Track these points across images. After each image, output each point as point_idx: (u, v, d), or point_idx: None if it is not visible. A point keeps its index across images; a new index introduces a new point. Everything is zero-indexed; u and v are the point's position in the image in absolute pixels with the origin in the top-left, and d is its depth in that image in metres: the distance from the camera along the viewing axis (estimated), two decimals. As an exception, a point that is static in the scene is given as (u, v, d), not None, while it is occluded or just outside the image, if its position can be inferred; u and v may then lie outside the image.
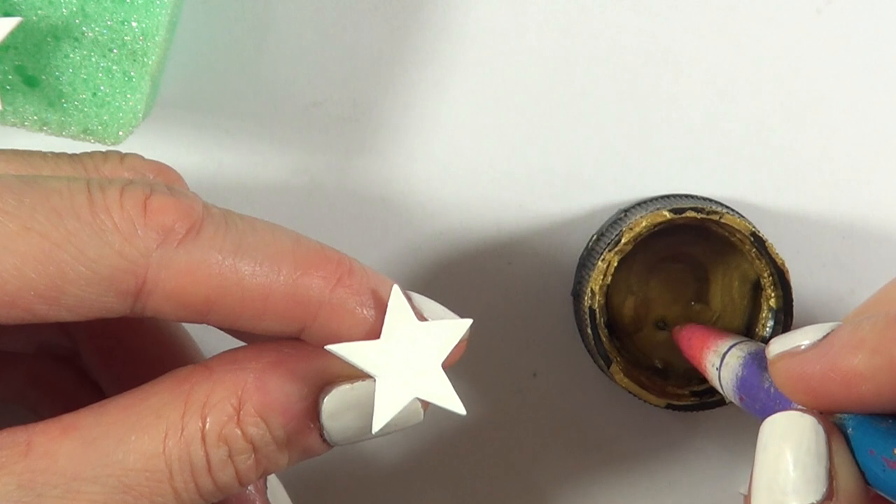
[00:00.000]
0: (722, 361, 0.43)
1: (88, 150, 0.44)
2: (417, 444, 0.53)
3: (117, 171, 0.42)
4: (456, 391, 0.39)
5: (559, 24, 0.51)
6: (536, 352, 0.53)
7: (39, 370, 0.46)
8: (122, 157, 0.43)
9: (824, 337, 0.38)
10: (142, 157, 0.43)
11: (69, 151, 0.44)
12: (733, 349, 0.43)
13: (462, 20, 0.51)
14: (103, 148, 0.46)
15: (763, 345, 0.42)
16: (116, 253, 0.37)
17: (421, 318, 0.40)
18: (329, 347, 0.38)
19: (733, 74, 0.52)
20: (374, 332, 0.39)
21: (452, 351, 0.39)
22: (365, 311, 0.39)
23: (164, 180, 0.42)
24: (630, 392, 0.49)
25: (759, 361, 0.41)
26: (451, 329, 0.39)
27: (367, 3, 0.51)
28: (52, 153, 0.42)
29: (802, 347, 0.39)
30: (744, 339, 0.44)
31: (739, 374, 0.42)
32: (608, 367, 0.49)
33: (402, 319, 0.39)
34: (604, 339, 0.49)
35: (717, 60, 0.52)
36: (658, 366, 0.51)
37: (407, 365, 0.39)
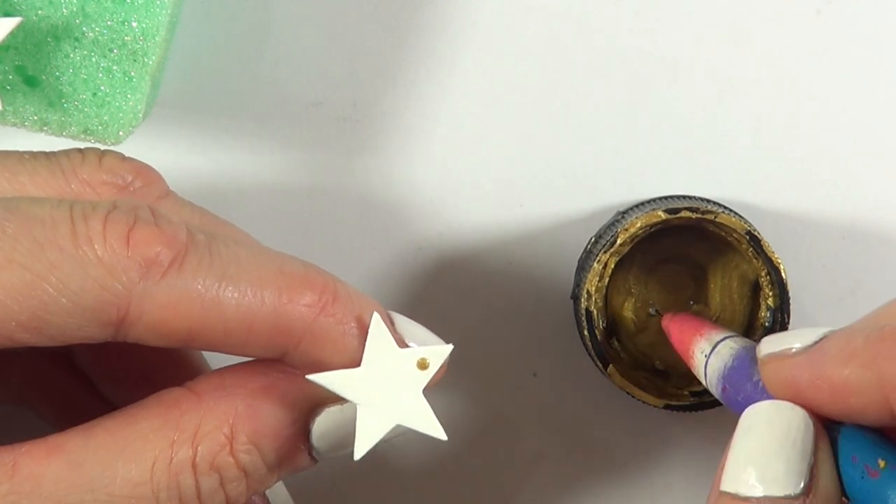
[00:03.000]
0: (713, 350, 0.43)
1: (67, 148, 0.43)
2: (415, 443, 0.53)
3: (95, 173, 0.42)
4: (441, 413, 0.39)
5: (558, 26, 0.51)
6: (536, 352, 0.53)
7: (34, 369, 0.46)
8: (101, 157, 0.42)
9: (816, 342, 0.38)
10: (121, 157, 0.43)
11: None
12: (727, 340, 0.43)
13: (462, 21, 0.51)
14: (103, 147, 0.46)
15: (754, 343, 0.42)
16: (99, 286, 0.37)
17: (402, 343, 0.40)
18: (310, 377, 0.39)
19: (733, 75, 0.52)
20: (357, 357, 0.39)
21: (433, 377, 0.40)
22: (348, 339, 0.39)
23: (143, 181, 0.42)
24: (628, 393, 0.49)
25: (752, 355, 0.40)
26: (432, 355, 0.40)
27: (367, 4, 0.51)
28: (30, 154, 0.42)
29: (793, 351, 0.38)
30: (738, 335, 0.44)
31: (729, 364, 0.42)
32: (606, 369, 0.49)
33: (383, 347, 0.39)
34: (601, 340, 0.49)
35: (716, 61, 0.52)
36: (658, 367, 0.51)
37: (388, 392, 0.39)
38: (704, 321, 0.47)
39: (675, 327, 0.47)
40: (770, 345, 0.39)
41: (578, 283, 0.51)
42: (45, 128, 0.46)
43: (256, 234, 0.51)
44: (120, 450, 0.37)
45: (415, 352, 0.40)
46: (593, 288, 0.49)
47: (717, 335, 0.44)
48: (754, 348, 0.40)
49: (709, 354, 0.43)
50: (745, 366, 0.41)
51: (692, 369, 0.45)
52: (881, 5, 0.51)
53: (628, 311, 0.51)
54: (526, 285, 0.53)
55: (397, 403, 0.39)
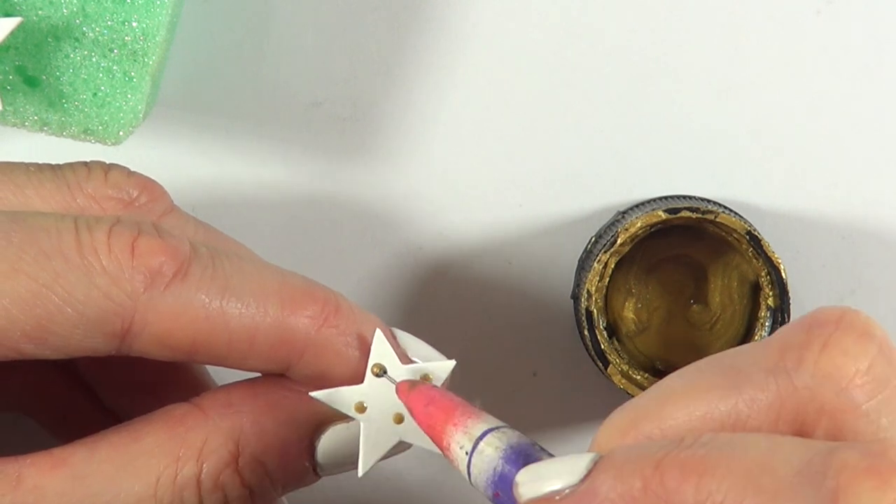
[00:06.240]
0: (475, 447, 0.36)
1: (73, 158, 0.43)
2: (415, 449, 0.53)
3: (101, 188, 0.42)
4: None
5: (558, 26, 0.51)
6: (536, 352, 0.53)
7: (35, 377, 0.46)
8: (107, 171, 0.42)
9: (585, 477, 0.33)
10: (126, 172, 0.43)
11: (67, 152, 0.44)
12: (490, 436, 0.36)
13: (462, 21, 0.51)
14: (103, 147, 0.46)
15: (524, 437, 0.36)
16: (104, 295, 0.37)
17: (404, 359, 0.40)
18: (313, 394, 0.39)
19: (733, 75, 0.52)
20: (359, 371, 0.39)
21: None
22: (350, 351, 0.40)
23: (148, 197, 0.42)
24: (628, 393, 0.49)
25: (524, 458, 0.35)
26: (435, 372, 0.40)
27: (367, 3, 0.51)
28: (35, 166, 0.42)
29: (558, 499, 0.33)
30: (499, 423, 0.37)
31: (499, 468, 0.35)
32: (606, 369, 0.49)
33: (386, 363, 0.39)
34: (601, 340, 0.49)
35: (716, 61, 0.52)
36: (658, 367, 0.51)
37: (390, 408, 0.39)
38: (454, 402, 0.38)
39: (420, 409, 0.38)
40: (530, 486, 0.33)
41: (578, 283, 0.51)
42: (45, 128, 0.46)
43: (257, 235, 0.51)
44: (124, 464, 0.37)
45: (418, 368, 0.40)
46: (593, 288, 0.49)
47: (475, 425, 0.37)
48: (526, 446, 0.35)
49: (470, 452, 0.36)
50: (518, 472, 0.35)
51: (449, 461, 0.37)
52: (881, 5, 0.51)
53: (628, 311, 0.51)
54: (526, 285, 0.53)
55: (400, 420, 0.39)
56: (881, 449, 0.30)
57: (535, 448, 0.35)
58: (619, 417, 0.35)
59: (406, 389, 0.39)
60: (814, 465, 0.30)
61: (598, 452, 0.33)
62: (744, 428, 0.33)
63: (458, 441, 0.37)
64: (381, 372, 0.39)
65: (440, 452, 0.38)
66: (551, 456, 0.35)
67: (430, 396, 0.38)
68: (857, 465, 0.30)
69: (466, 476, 0.36)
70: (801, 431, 0.33)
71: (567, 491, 0.33)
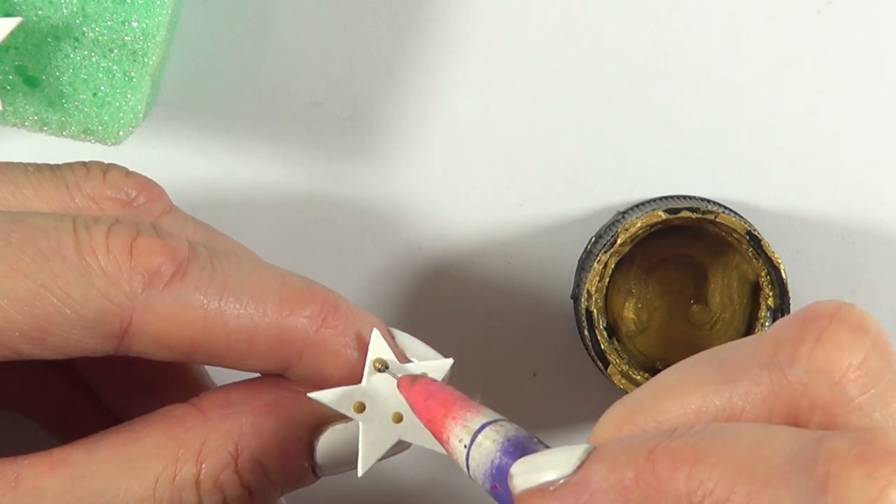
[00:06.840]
0: (473, 440, 0.36)
1: (73, 158, 0.43)
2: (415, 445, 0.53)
3: (99, 188, 0.42)
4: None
5: (558, 26, 0.51)
6: (536, 352, 0.53)
7: (34, 378, 0.46)
8: (105, 172, 0.42)
9: (578, 468, 0.33)
10: (125, 172, 0.43)
11: (67, 152, 0.44)
12: (488, 429, 0.36)
13: (462, 21, 0.51)
14: (103, 147, 0.46)
15: (521, 430, 0.36)
16: (102, 296, 0.37)
17: (402, 358, 0.40)
18: (311, 395, 0.39)
19: (733, 76, 0.52)
20: (358, 372, 0.39)
21: None
22: (349, 352, 0.40)
23: (147, 197, 0.42)
24: (628, 393, 0.49)
25: (522, 451, 0.35)
26: (432, 371, 0.40)
27: (367, 3, 0.51)
28: (34, 166, 0.42)
29: (552, 489, 0.33)
30: (498, 417, 0.37)
31: (496, 461, 0.35)
32: (606, 369, 0.49)
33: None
34: (601, 340, 0.49)
35: (715, 61, 0.52)
36: (659, 367, 0.51)
37: (389, 408, 0.39)
38: (453, 395, 0.38)
39: (420, 403, 0.38)
40: (524, 477, 0.34)
41: (578, 283, 0.51)
42: (45, 128, 0.46)
43: (257, 235, 0.51)
44: (123, 465, 0.37)
45: (415, 367, 0.40)
46: (593, 288, 0.49)
47: (474, 418, 0.37)
48: (523, 439, 0.36)
49: (469, 445, 0.36)
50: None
51: (449, 455, 0.38)
52: (881, 5, 0.51)
53: (628, 311, 0.51)
54: (526, 285, 0.53)
55: (399, 419, 0.39)
56: (871, 437, 0.30)
57: (532, 441, 0.35)
58: (616, 411, 0.35)
59: (407, 384, 0.39)
60: (804, 452, 0.30)
61: (592, 444, 0.34)
62: (738, 421, 0.33)
63: (457, 434, 0.37)
64: (384, 367, 0.39)
65: (439, 451, 0.38)
66: (549, 449, 0.35)
67: (430, 391, 0.38)
68: (847, 453, 0.30)
69: (465, 469, 0.37)
70: (795, 425, 0.33)
71: (561, 481, 0.33)
